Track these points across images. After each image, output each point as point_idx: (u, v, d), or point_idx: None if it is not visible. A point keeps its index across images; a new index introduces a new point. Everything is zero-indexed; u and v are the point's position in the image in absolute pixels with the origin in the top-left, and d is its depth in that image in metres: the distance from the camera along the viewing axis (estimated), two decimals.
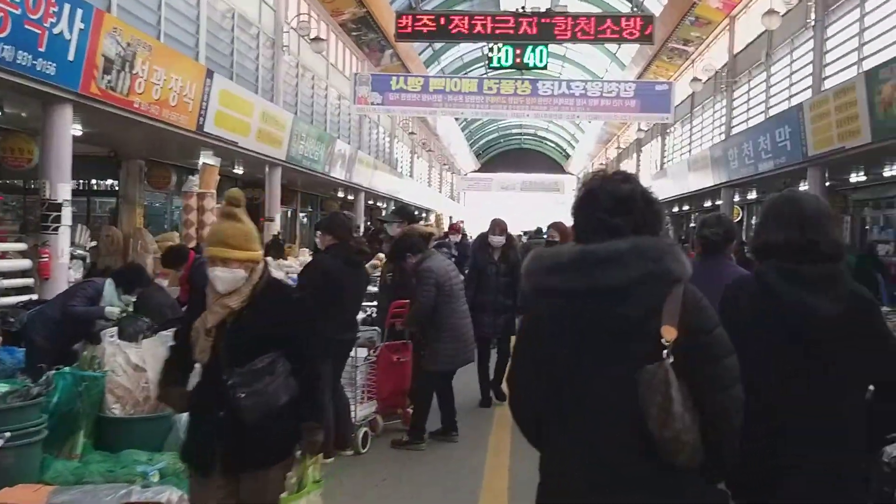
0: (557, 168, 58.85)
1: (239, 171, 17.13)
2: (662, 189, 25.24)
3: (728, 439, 1.96)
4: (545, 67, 15.09)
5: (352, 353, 5.59)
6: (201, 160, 11.58)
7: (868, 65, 11.70)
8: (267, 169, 15.86)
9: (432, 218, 36.90)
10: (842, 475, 2.22)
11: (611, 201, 2.02)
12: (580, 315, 1.98)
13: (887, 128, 10.08)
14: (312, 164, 17.38)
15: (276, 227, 15.74)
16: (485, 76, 17.57)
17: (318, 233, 5.57)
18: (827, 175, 13.30)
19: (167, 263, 7.28)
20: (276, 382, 2.79)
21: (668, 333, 1.89)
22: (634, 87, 16.32)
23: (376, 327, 6.45)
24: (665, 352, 1.88)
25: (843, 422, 2.23)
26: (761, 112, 16.85)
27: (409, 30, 14.50)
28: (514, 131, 58.38)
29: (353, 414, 5.50)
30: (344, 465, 5.27)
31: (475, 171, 57.51)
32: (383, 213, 21.16)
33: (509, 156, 60.17)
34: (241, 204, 2.98)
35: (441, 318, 5.76)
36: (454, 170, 53.51)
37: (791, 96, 15.12)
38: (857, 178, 15.45)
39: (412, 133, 30.61)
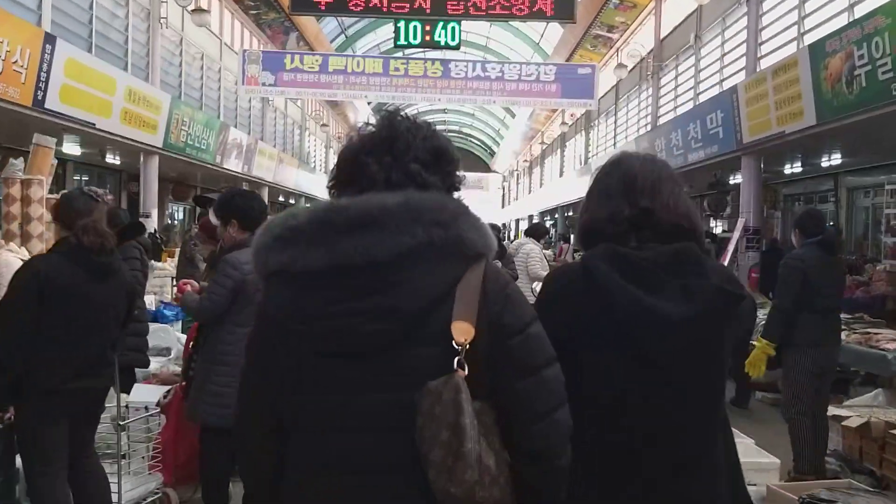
0: (483, 166, 57.87)
1: (115, 160, 15.17)
2: (586, 185, 24.09)
3: (552, 488, 1.41)
4: (458, 47, 13.53)
5: (123, 403, 3.76)
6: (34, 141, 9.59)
7: (810, 39, 10.50)
8: (142, 157, 13.92)
9: None
10: None
11: (427, 152, 1.50)
12: (317, 314, 1.34)
13: (834, 107, 8.85)
14: (199, 154, 15.44)
15: (152, 223, 13.74)
16: (392, 55, 15.84)
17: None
18: (762, 166, 12.12)
19: None
20: None
21: (462, 333, 1.31)
22: (555, 71, 14.86)
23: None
24: (456, 360, 1.30)
25: (701, 452, 1.64)
26: (690, 99, 15.69)
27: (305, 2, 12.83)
28: (438, 128, 57.02)
29: (117, 497, 3.54)
30: None
31: None
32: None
33: None
34: None
35: (216, 340, 3.72)
36: None
37: (723, 80, 13.94)
38: (791, 169, 14.45)
39: (324, 125, 28.72)
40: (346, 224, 1.35)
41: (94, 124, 11.18)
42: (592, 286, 1.60)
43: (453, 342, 1.32)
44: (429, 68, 14.44)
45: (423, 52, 17.42)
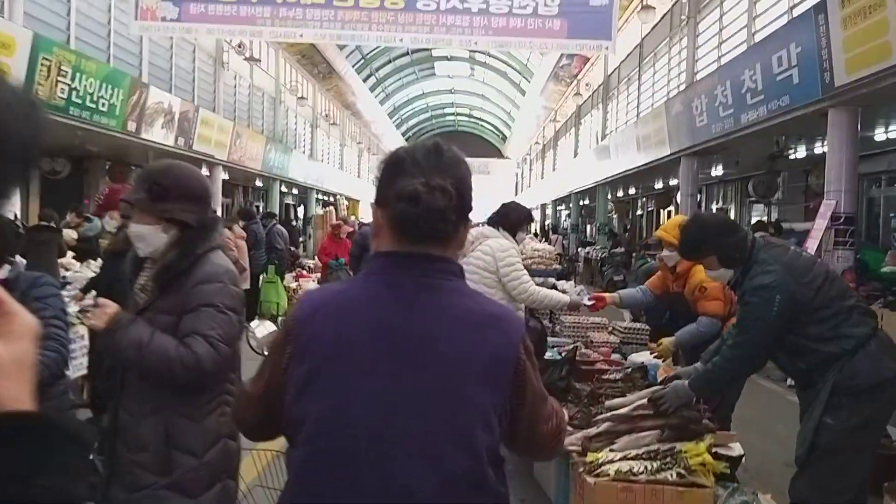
0: (495, 152, 54.05)
1: None
2: (602, 169, 20.25)
3: None
4: None
5: None
6: None
7: None
8: None
9: (343, 204, 31.55)
10: None
11: None
12: None
13: None
14: (98, 117, 11.82)
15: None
16: None
17: None
18: (860, 122, 8.28)
19: None
20: None
21: None
22: (560, 2, 11.02)
23: None
24: None
25: None
26: (742, 41, 11.78)
27: None
28: (447, 111, 53.59)
29: None
30: None
31: None
32: None
33: (443, 139, 54.99)
34: None
35: None
36: (380, 153, 47.99)
37: (793, 6, 10.05)
38: (887, 134, 10.57)
39: (302, 98, 24.97)
40: None
41: None
42: None
43: None
44: None
45: None
